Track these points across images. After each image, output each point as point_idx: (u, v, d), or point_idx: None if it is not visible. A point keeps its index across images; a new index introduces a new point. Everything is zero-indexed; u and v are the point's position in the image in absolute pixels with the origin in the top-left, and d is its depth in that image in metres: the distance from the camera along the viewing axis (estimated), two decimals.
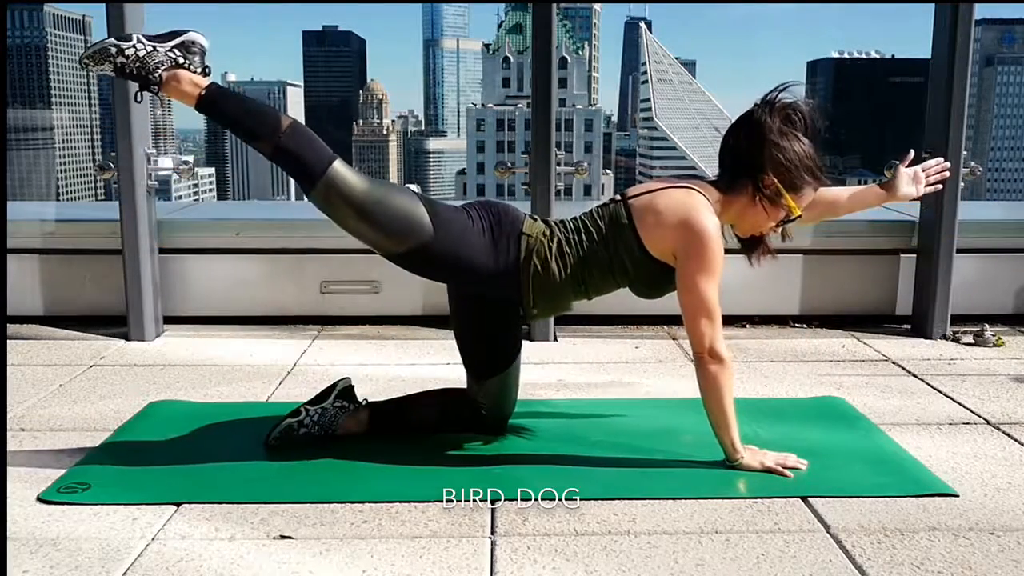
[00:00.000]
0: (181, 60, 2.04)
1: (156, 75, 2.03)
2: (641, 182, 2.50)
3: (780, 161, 2.14)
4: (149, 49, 2.03)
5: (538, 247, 2.15)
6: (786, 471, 2.15)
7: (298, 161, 2.04)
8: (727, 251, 2.27)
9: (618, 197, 2.24)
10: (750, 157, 2.15)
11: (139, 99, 2.23)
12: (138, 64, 2.02)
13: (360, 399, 2.38)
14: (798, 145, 2.16)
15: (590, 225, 2.20)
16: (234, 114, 2.08)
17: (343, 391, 2.35)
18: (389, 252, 2.15)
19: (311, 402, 2.32)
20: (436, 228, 2.09)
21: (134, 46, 2.02)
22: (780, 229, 2.26)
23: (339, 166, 2.05)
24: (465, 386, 2.35)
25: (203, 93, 2.04)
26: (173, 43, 2.04)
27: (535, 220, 2.22)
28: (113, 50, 2.02)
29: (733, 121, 2.23)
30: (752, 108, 2.18)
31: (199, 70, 2.06)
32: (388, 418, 2.38)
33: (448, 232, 2.11)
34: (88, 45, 2.03)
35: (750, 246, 2.31)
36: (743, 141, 2.17)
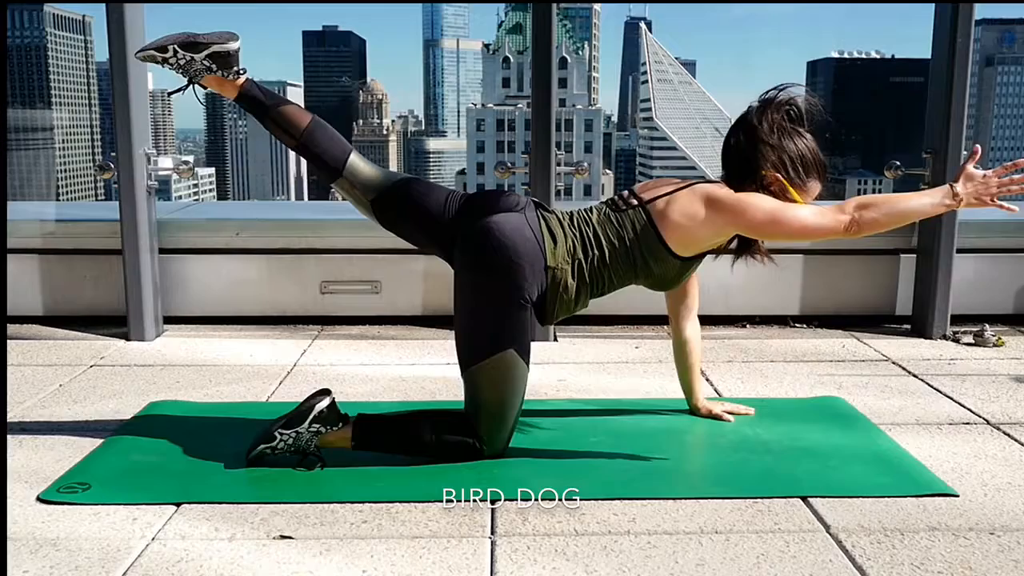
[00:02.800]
0: (323, 430, 2.20)
1: (312, 451, 2.20)
2: (639, 181, 2.50)
3: (779, 158, 2.17)
4: (293, 436, 2.19)
5: (564, 277, 2.16)
6: (1003, 204, 2.15)
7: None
8: (729, 252, 2.29)
9: (633, 201, 2.22)
10: (749, 157, 2.18)
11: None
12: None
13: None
14: (800, 141, 2.19)
15: (611, 235, 2.19)
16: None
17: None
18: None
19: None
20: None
21: (282, 440, 2.19)
22: None
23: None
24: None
25: (353, 445, 2.22)
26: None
27: (554, 239, 2.16)
28: (268, 451, 2.20)
29: (733, 122, 2.26)
30: (748, 108, 2.21)
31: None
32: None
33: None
34: (247, 453, 2.22)
35: (744, 248, 2.32)
36: (741, 142, 2.20)
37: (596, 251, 2.18)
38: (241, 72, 2.24)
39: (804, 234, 2.15)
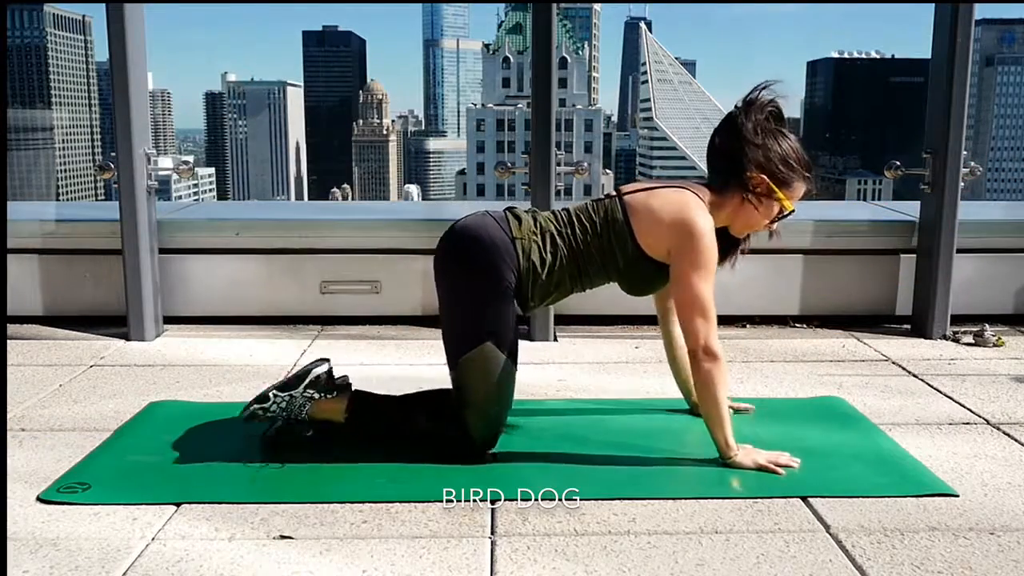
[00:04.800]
0: (317, 396, 2.25)
1: (303, 418, 2.26)
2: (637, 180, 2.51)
3: (763, 159, 2.17)
4: (287, 399, 2.21)
5: (532, 247, 2.17)
6: (779, 469, 2.16)
7: (445, 439, 2.23)
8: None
9: (613, 193, 2.25)
10: (734, 158, 2.18)
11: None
12: (285, 415, 2.25)
13: (336, 382, 2.30)
14: (784, 142, 2.20)
15: (584, 219, 2.21)
16: (377, 432, 2.29)
17: (314, 381, 2.26)
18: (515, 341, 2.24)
19: (280, 387, 2.26)
20: (498, 328, 2.17)
21: (275, 402, 2.21)
22: (774, 227, 2.27)
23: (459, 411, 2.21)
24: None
25: (347, 418, 2.26)
26: (304, 384, 2.23)
27: (518, 219, 2.22)
28: (260, 412, 2.23)
29: (717, 124, 2.26)
30: (732, 110, 2.21)
31: (334, 394, 2.26)
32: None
33: (498, 314, 2.18)
34: (241, 412, 2.28)
35: (727, 249, 2.30)
36: (726, 143, 2.21)
37: (568, 228, 2.20)
38: (347, 384, 2.28)
39: (692, 315, 2.11)
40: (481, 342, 2.16)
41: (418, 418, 2.29)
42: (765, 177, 2.17)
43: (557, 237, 2.19)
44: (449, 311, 2.25)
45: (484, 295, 2.17)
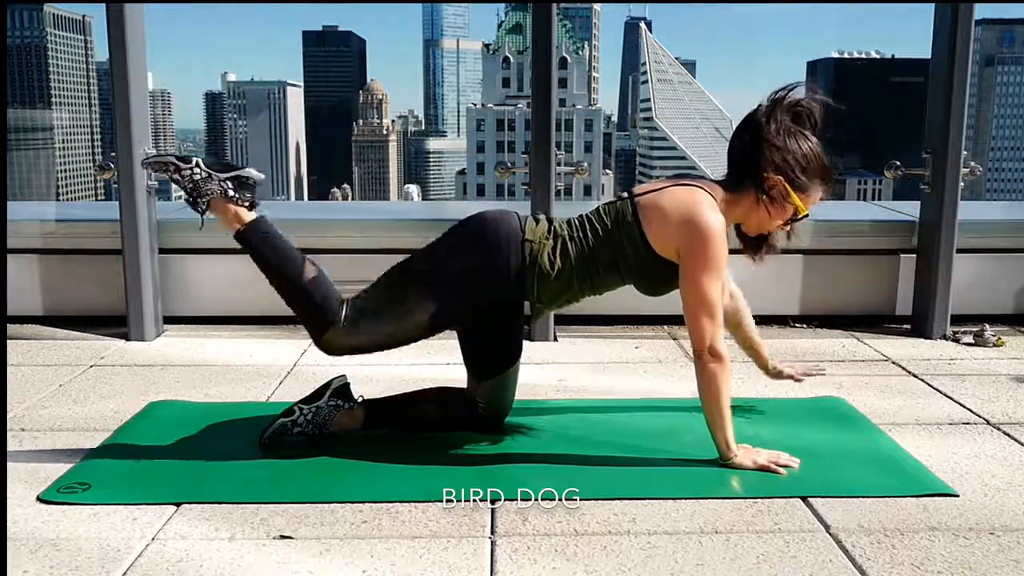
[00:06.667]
0: (231, 193, 2.20)
1: (204, 200, 2.20)
2: (642, 182, 2.50)
3: (782, 161, 2.13)
4: (205, 176, 2.18)
5: (541, 250, 2.16)
6: (780, 469, 2.16)
7: (310, 311, 2.28)
8: (730, 251, 2.28)
9: (624, 195, 2.24)
10: (752, 157, 2.15)
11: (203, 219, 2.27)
12: (191, 185, 2.19)
13: (356, 396, 2.37)
14: (805, 144, 2.15)
15: (595, 222, 2.20)
16: (264, 257, 2.26)
17: (338, 389, 2.35)
18: (421, 335, 2.26)
19: (305, 400, 2.32)
20: (438, 292, 2.18)
21: (191, 169, 2.18)
22: (787, 228, 2.25)
23: (346, 316, 2.23)
24: (463, 384, 2.36)
25: (241, 229, 2.22)
26: (228, 175, 2.19)
27: (537, 222, 2.23)
28: (171, 168, 2.18)
29: (740, 121, 2.23)
30: (756, 107, 2.18)
31: (247, 204, 2.22)
32: (384, 415, 2.38)
33: (447, 283, 2.18)
34: (156, 154, 2.20)
35: (755, 245, 2.30)
36: (746, 141, 2.17)
37: (580, 232, 2.20)
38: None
39: (699, 314, 2.11)
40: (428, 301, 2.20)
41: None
42: (782, 179, 2.14)
43: (568, 242, 2.18)
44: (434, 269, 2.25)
45: (468, 270, 2.17)
